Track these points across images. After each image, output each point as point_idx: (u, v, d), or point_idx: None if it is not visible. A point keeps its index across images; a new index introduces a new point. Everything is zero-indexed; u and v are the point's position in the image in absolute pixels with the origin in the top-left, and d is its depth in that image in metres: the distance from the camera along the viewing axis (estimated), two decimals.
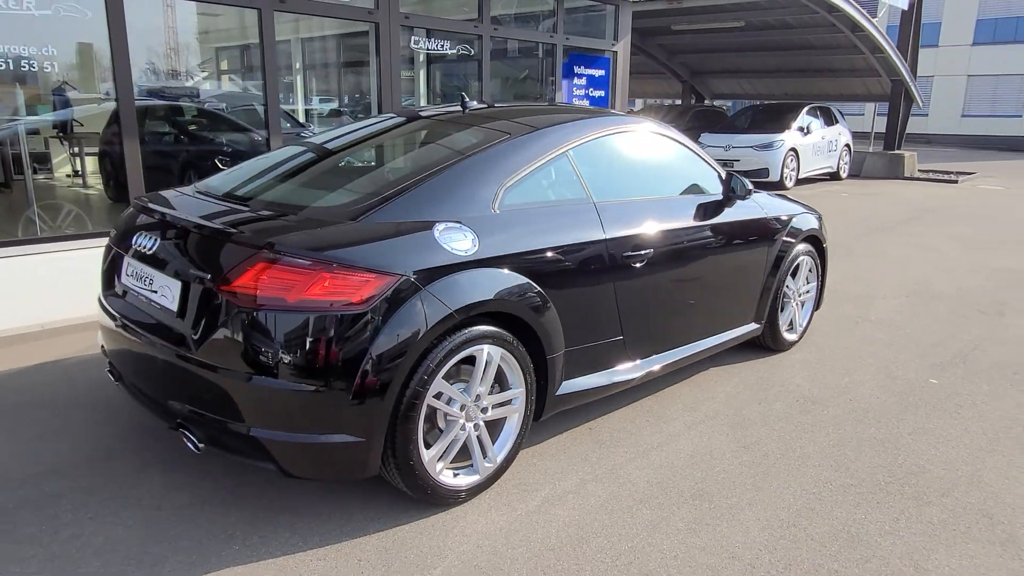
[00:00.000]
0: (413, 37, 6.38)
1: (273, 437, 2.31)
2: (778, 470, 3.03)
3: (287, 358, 2.26)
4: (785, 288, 4.27)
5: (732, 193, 3.77)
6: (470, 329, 2.52)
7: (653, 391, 3.80)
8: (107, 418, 3.33)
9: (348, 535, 2.49)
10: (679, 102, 20.56)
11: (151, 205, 2.83)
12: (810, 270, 4.53)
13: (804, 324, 4.64)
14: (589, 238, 2.98)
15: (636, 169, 3.55)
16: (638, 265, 3.16)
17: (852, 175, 15.89)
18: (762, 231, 3.98)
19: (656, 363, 3.41)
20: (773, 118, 13.99)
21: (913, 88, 15.69)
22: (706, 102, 19.88)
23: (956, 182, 15.39)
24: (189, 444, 2.48)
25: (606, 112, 3.72)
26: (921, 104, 16.53)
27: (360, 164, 3.38)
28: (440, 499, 2.61)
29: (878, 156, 16.04)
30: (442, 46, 6.66)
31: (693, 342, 3.66)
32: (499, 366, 2.69)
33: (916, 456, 3.18)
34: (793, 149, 13.34)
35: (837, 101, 16.98)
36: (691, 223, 3.50)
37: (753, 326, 4.12)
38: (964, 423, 3.54)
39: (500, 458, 2.78)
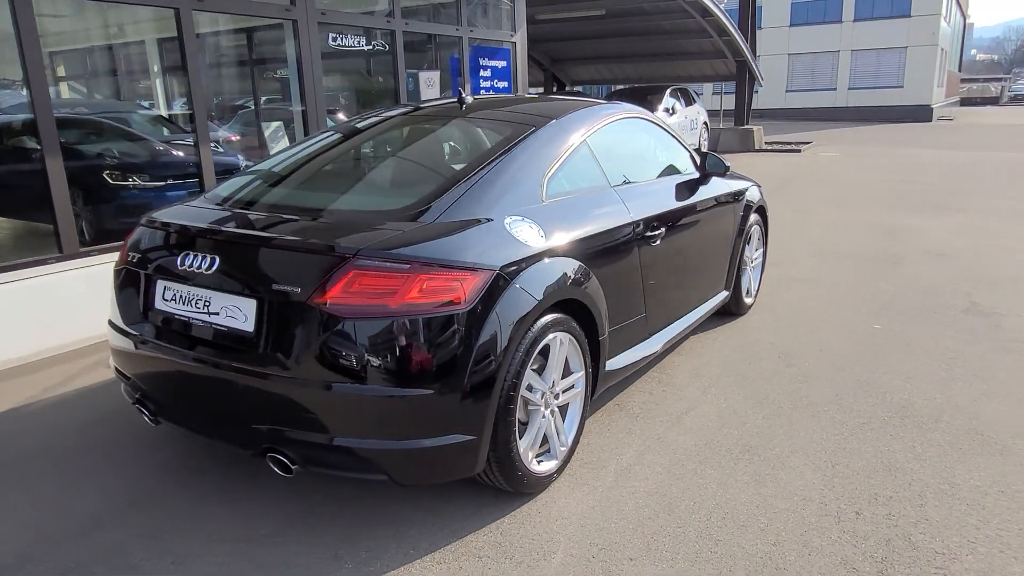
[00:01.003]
0: (330, 34, 6.20)
1: (384, 447, 2.27)
2: (797, 419, 3.34)
3: (396, 365, 2.23)
4: (743, 255, 4.64)
5: (707, 171, 4.05)
6: (546, 318, 2.59)
7: (655, 364, 4.01)
8: (124, 459, 3.06)
9: (453, 536, 2.49)
10: (541, 90, 21.10)
11: (186, 223, 2.65)
12: (759, 238, 4.93)
13: (756, 288, 5.05)
14: (622, 221, 3.12)
15: (635, 153, 3.73)
16: (656, 244, 3.34)
17: (711, 150, 17.09)
18: (730, 204, 4.30)
19: (669, 334, 3.62)
20: (640, 101, 14.73)
21: (755, 67, 17.09)
22: (567, 88, 20.54)
23: (800, 151, 16.99)
24: (277, 469, 2.38)
25: (593, 100, 3.86)
26: (762, 82, 18.04)
27: (389, 163, 3.32)
28: (531, 487, 2.66)
29: (731, 131, 17.35)
30: (359, 42, 6.51)
31: (692, 311, 3.92)
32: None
33: (898, 392, 3.61)
34: None
35: (688, 82, 18.16)
36: (687, 201, 3.73)
37: (725, 293, 4.45)
38: (918, 359, 4.04)
39: (570, 440, 2.87)
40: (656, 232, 3.35)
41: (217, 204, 2.88)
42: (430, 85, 7.39)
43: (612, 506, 2.65)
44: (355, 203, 2.78)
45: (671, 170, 3.97)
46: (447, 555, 2.39)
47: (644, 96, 14.96)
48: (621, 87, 17.34)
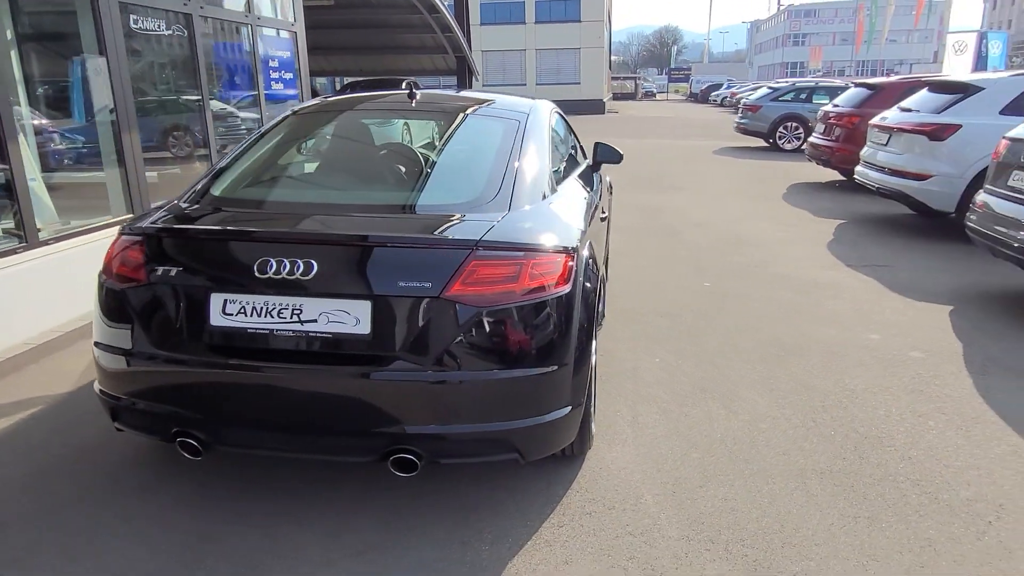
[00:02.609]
0: (132, 16, 5.45)
1: (517, 426, 2.38)
2: (721, 363, 4.05)
3: (525, 347, 2.36)
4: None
5: (598, 158, 4.57)
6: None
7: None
8: (144, 487, 2.63)
9: (550, 504, 2.67)
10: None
11: (249, 229, 2.49)
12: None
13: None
14: (595, 200, 3.50)
15: (563, 143, 4.10)
16: (602, 217, 3.79)
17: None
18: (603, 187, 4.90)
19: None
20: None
21: (472, 63, 18.21)
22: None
23: None
24: (398, 470, 2.36)
25: (513, 96, 4.13)
26: (479, 77, 19.26)
27: (412, 156, 3.24)
28: (589, 446, 2.94)
29: None
30: (159, 26, 5.80)
31: None
32: None
33: (785, 336, 4.51)
34: None
35: (410, 76, 18.65)
36: (598, 187, 4.22)
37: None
38: (757, 306, 5.06)
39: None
40: (602, 209, 3.80)
41: (238, 206, 2.64)
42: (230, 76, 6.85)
43: (649, 452, 3.06)
44: (415, 198, 2.77)
45: (577, 159, 4.42)
46: (561, 519, 2.59)
47: (382, 88, 15.08)
48: (356, 79, 17.20)
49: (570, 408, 2.52)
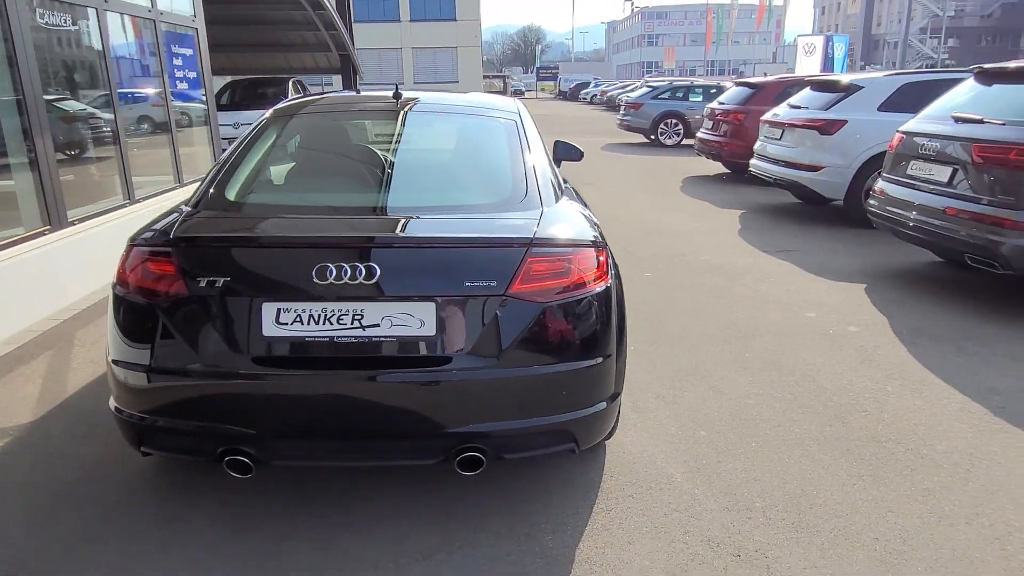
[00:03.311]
0: (39, 10, 4.99)
1: (575, 416, 2.45)
2: (689, 345, 4.29)
3: (582, 339, 2.44)
4: None
5: (559, 156, 4.68)
6: None
7: None
8: (168, 515, 2.46)
9: (591, 491, 2.77)
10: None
11: (300, 234, 2.41)
12: None
13: None
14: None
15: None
16: None
17: None
18: None
19: None
20: (264, 92, 14.28)
21: (357, 61, 17.85)
22: None
23: None
24: (462, 469, 2.37)
25: (478, 93, 4.16)
26: (363, 76, 18.90)
27: (428, 158, 3.20)
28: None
29: None
30: (65, 20, 5.32)
31: None
32: None
33: (737, 319, 4.83)
34: None
35: (290, 74, 18.01)
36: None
37: None
38: (696, 293, 5.38)
39: None
40: None
41: (267, 212, 2.56)
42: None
43: (661, 435, 3.22)
44: (449, 198, 2.76)
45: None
46: (607, 503, 2.69)
47: (267, 87, 14.52)
48: (239, 78, 16.35)
49: (616, 396, 2.62)
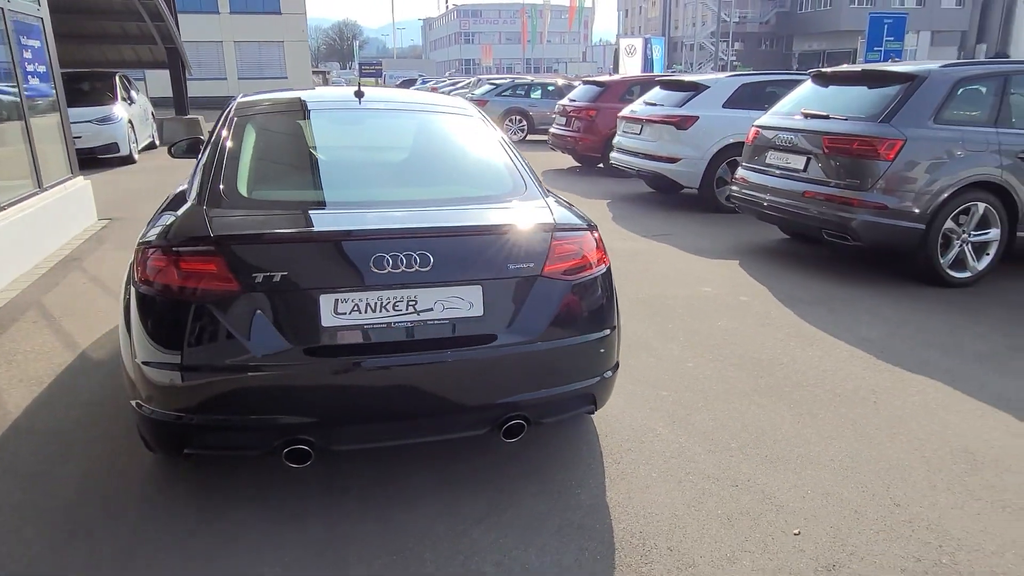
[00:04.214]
0: None
1: (597, 380, 2.77)
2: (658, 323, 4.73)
3: (604, 310, 2.77)
4: None
5: None
6: None
7: None
8: (201, 508, 2.44)
9: (594, 457, 3.09)
10: None
11: (353, 228, 2.53)
12: None
13: None
14: None
15: None
16: None
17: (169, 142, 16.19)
18: None
19: None
20: (92, 87, 13.09)
21: (185, 55, 16.77)
22: None
23: None
24: (507, 437, 2.60)
25: (427, 92, 4.30)
26: (192, 71, 17.77)
27: (426, 154, 3.33)
28: None
29: (176, 122, 16.71)
30: None
31: None
32: None
33: (648, 296, 5.32)
34: (130, 121, 12.99)
35: (109, 68, 16.55)
36: None
37: None
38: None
39: None
40: None
41: (293, 207, 2.62)
42: None
43: (630, 398, 3.61)
44: (463, 191, 2.94)
45: None
46: (615, 458, 3.02)
47: (91, 82, 13.28)
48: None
49: (618, 363, 2.96)
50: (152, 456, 2.93)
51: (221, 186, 2.71)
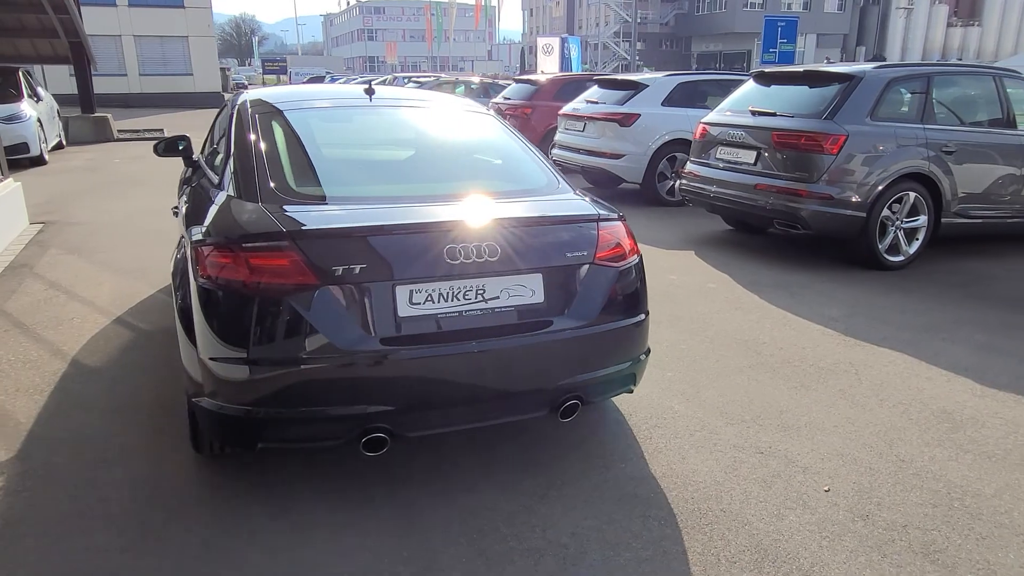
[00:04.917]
0: None
1: (636, 361, 2.95)
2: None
3: (643, 295, 2.96)
4: None
5: None
6: None
7: None
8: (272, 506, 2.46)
9: (626, 437, 3.28)
10: None
11: (420, 221, 2.60)
12: None
13: None
14: None
15: None
16: None
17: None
18: None
19: None
20: None
21: (90, 50, 15.88)
22: None
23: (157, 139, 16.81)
24: (563, 417, 2.75)
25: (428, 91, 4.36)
26: (97, 66, 16.84)
27: (452, 151, 3.39)
28: None
29: (83, 120, 15.83)
30: None
31: None
32: None
33: None
34: (39, 119, 12.22)
35: (14, 63, 15.47)
36: None
37: None
38: None
39: None
40: None
41: (349, 202, 2.72)
42: None
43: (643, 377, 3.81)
44: (506, 185, 3.07)
45: None
46: (647, 434, 3.22)
47: None
48: None
49: (649, 345, 3.16)
50: (195, 459, 2.91)
51: (271, 183, 2.72)
